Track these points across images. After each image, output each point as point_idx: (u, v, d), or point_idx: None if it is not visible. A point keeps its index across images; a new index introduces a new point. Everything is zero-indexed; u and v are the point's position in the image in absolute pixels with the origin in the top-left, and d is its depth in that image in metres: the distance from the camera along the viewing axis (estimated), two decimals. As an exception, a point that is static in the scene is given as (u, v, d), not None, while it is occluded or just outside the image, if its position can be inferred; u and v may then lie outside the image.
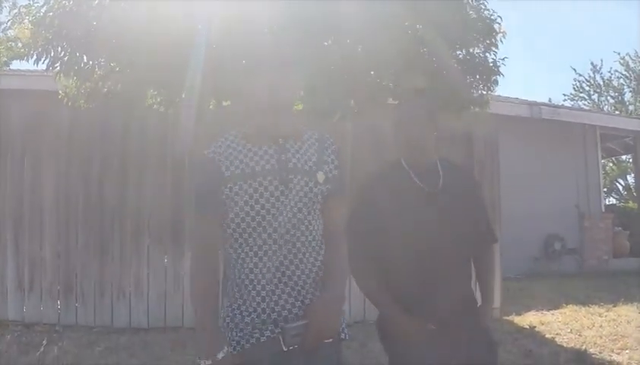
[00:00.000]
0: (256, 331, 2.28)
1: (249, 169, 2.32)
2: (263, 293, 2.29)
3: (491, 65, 7.78)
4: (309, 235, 2.36)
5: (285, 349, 2.23)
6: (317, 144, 2.46)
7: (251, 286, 2.30)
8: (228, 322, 2.33)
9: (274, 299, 2.29)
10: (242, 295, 2.32)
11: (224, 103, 7.85)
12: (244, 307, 2.31)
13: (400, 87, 7.53)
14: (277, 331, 2.26)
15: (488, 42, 7.71)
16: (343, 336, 2.40)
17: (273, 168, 2.32)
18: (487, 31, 7.62)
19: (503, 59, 7.79)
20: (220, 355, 2.20)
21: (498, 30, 7.73)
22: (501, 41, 7.83)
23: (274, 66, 2.35)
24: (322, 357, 2.31)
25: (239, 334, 2.29)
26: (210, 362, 2.20)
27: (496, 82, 7.92)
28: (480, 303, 3.12)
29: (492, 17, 7.63)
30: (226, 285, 2.38)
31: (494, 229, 3.25)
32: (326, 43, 7.14)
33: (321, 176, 2.39)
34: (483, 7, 7.62)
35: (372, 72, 7.37)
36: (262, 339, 2.26)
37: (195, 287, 2.40)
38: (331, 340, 2.32)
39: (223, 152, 2.36)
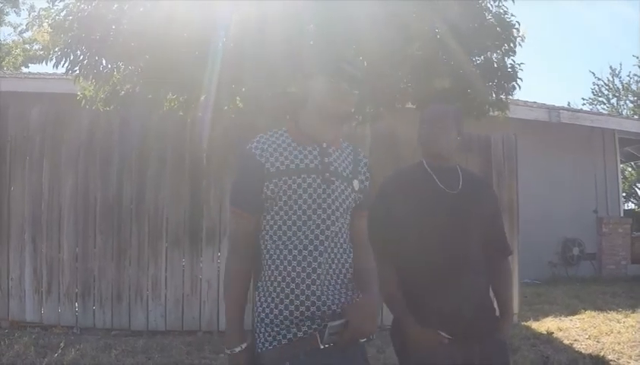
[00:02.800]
0: (293, 326, 2.29)
1: (294, 166, 2.36)
2: (303, 287, 2.30)
3: (509, 70, 7.71)
4: (346, 237, 2.46)
5: (322, 347, 2.25)
6: (352, 156, 2.55)
7: (289, 278, 2.31)
8: (263, 318, 2.34)
9: (316, 294, 2.30)
10: (276, 289, 2.32)
11: (239, 104, 7.83)
12: (278, 300, 2.31)
13: (420, 91, 7.48)
14: (313, 327, 2.29)
15: (506, 47, 7.64)
16: (371, 336, 2.41)
17: (316, 167, 2.38)
18: (506, 36, 7.55)
19: (520, 65, 7.71)
20: (237, 349, 2.32)
21: (516, 34, 7.64)
22: (519, 44, 7.74)
23: (344, 77, 2.41)
24: (353, 355, 2.36)
25: (275, 330, 2.31)
26: (229, 352, 2.33)
27: (515, 88, 7.84)
28: (498, 313, 3.08)
29: (512, 22, 7.55)
30: (263, 280, 2.38)
31: (508, 242, 3.24)
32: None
33: (356, 184, 2.49)
34: (503, 11, 7.53)
35: (390, 75, 7.31)
36: (299, 334, 2.29)
37: (228, 280, 2.43)
38: (365, 340, 2.36)
39: (267, 148, 2.39)
